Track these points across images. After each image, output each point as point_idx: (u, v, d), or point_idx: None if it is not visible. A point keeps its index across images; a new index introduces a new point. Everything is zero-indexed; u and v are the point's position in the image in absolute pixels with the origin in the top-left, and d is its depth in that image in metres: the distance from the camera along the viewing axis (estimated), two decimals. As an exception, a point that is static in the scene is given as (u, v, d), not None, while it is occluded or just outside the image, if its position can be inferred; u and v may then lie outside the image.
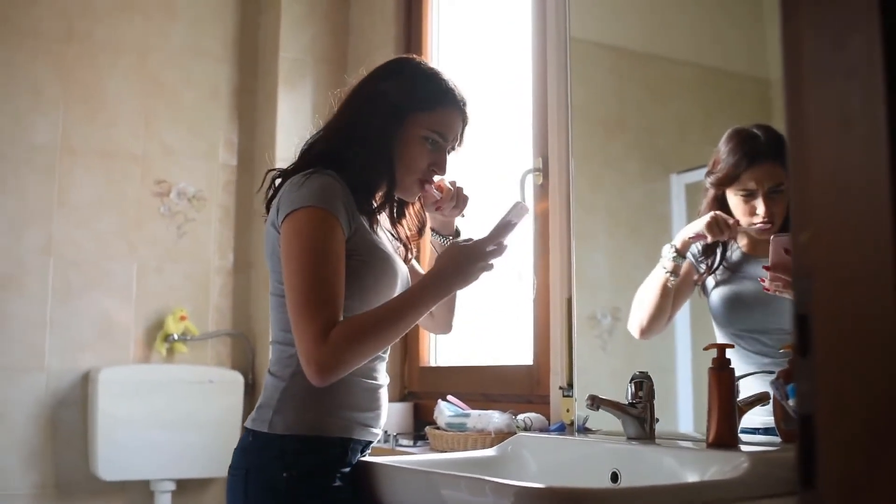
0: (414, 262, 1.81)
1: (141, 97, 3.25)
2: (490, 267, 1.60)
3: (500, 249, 1.60)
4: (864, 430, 0.72)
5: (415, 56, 1.73)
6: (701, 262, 1.85)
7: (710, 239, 1.81)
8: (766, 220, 1.73)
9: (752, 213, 1.75)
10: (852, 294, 0.73)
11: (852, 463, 0.72)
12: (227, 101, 3.41)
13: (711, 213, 1.80)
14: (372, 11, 3.23)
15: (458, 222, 1.81)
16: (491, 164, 2.75)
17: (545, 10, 2.35)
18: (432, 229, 1.79)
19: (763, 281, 1.62)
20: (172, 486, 3.03)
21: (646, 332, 1.92)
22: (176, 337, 3.17)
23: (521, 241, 2.49)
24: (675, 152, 2.14)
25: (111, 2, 3.23)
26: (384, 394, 1.65)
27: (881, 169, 0.70)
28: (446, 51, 3.01)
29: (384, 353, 1.65)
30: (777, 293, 1.65)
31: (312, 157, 1.64)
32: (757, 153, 1.76)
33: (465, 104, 1.66)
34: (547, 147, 2.29)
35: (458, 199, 1.74)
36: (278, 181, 1.64)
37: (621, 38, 2.28)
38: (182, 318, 3.19)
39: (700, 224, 1.81)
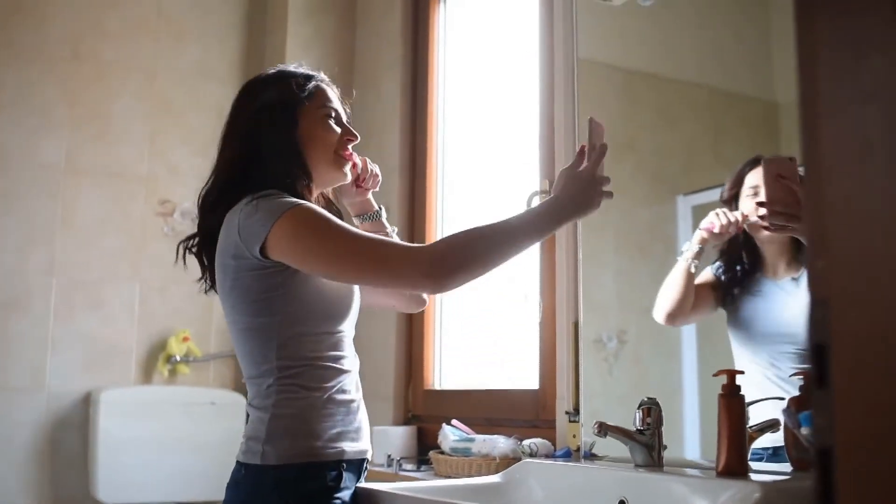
0: None
1: (147, 118, 3.25)
2: (609, 194, 1.57)
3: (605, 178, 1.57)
4: (884, 465, 0.69)
5: (259, 74, 1.74)
6: (722, 275, 1.85)
7: (717, 228, 1.82)
8: (766, 200, 1.64)
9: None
10: (870, 324, 0.71)
11: (872, 499, 0.70)
12: (232, 122, 3.40)
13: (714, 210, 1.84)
14: (378, 33, 3.22)
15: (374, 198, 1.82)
16: (497, 186, 2.74)
17: (552, 33, 2.34)
18: (355, 216, 1.81)
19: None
20: (173, 509, 3.00)
21: (671, 315, 1.91)
22: (178, 358, 3.15)
23: (527, 264, 2.47)
24: (683, 174, 2.13)
25: (119, 23, 3.24)
26: (361, 407, 1.61)
27: (901, 195, 0.68)
28: (453, 72, 3.00)
29: (352, 367, 1.61)
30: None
31: (229, 195, 1.61)
32: (757, 158, 1.79)
33: (322, 76, 1.70)
34: (554, 169, 2.27)
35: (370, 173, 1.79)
36: (193, 242, 1.67)
37: (632, 59, 2.26)
38: (185, 340, 3.17)
39: (706, 220, 1.84)
